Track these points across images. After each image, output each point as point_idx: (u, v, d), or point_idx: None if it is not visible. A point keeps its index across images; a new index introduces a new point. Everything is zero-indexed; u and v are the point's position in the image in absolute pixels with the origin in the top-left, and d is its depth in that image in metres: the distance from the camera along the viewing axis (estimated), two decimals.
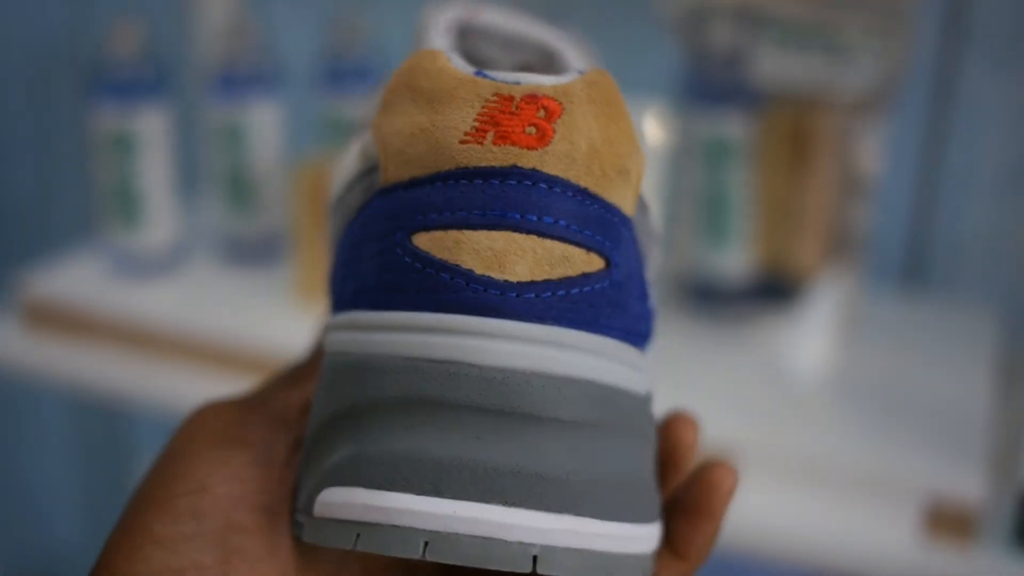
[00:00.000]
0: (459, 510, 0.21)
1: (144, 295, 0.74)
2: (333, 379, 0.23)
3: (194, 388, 0.67)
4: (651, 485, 0.24)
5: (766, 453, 0.59)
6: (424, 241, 0.22)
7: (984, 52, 0.76)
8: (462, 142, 0.22)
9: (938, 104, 0.78)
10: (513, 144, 0.22)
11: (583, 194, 0.23)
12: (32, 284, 0.74)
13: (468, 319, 0.22)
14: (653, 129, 0.71)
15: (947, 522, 0.55)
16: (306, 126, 0.88)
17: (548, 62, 0.28)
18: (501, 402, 0.21)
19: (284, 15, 0.94)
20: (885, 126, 0.71)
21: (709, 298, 0.72)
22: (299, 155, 0.90)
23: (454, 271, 0.22)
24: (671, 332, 0.70)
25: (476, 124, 0.22)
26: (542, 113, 0.22)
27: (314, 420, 0.24)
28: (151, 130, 0.74)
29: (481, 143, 0.22)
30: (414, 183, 0.23)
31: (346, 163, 0.26)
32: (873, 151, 0.70)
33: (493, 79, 0.23)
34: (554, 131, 0.22)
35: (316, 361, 0.28)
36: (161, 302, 0.73)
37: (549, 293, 0.22)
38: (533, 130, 0.22)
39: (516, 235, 0.22)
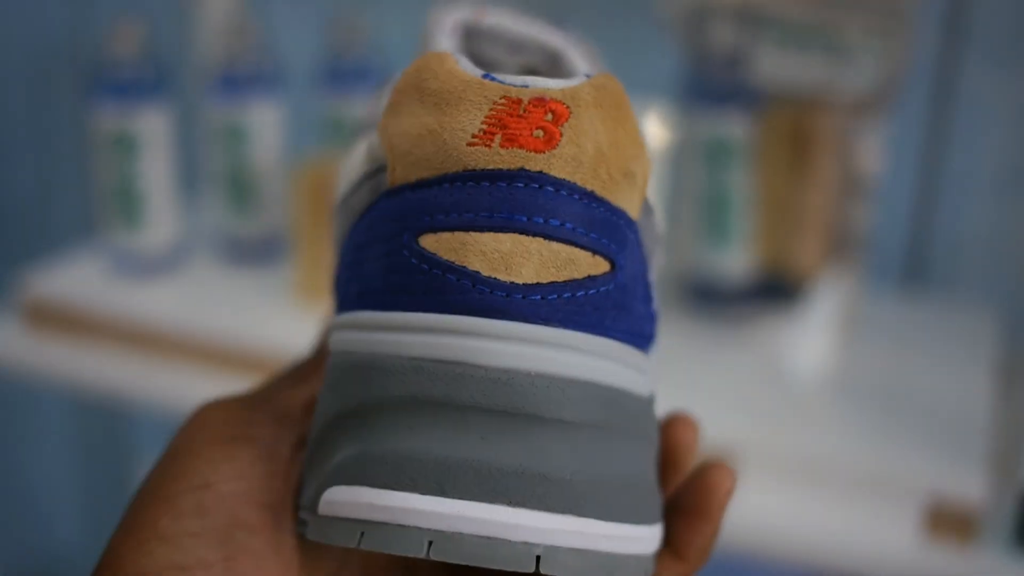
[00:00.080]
0: (463, 510, 0.21)
1: (145, 295, 0.74)
2: (338, 378, 0.24)
3: (194, 388, 0.67)
4: (653, 486, 0.24)
5: (766, 453, 0.59)
6: (431, 242, 0.23)
7: (984, 52, 0.76)
8: (470, 144, 0.22)
9: (938, 104, 0.78)
10: (520, 147, 0.22)
11: (589, 197, 0.23)
12: (32, 284, 0.74)
13: (474, 320, 0.22)
14: (654, 129, 0.71)
15: (947, 522, 0.55)
16: (306, 126, 0.88)
17: (553, 64, 0.28)
18: (506, 403, 0.22)
19: (284, 15, 0.94)
20: (885, 126, 0.71)
21: (709, 298, 0.72)
22: (299, 155, 0.90)
23: (461, 272, 0.22)
24: (672, 332, 0.70)
25: (484, 127, 0.22)
26: (550, 116, 0.22)
27: (319, 419, 0.24)
28: (151, 130, 0.74)
29: (489, 145, 0.22)
30: (421, 184, 0.23)
31: (352, 164, 0.26)
32: (873, 151, 0.70)
33: (501, 82, 0.23)
34: (561, 134, 0.22)
35: (320, 359, 0.28)
36: (161, 302, 0.73)
37: (555, 295, 0.22)
38: (540, 133, 0.22)
39: (523, 237, 0.22)
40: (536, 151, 0.22)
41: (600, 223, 0.23)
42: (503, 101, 0.22)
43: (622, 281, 0.23)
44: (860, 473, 0.57)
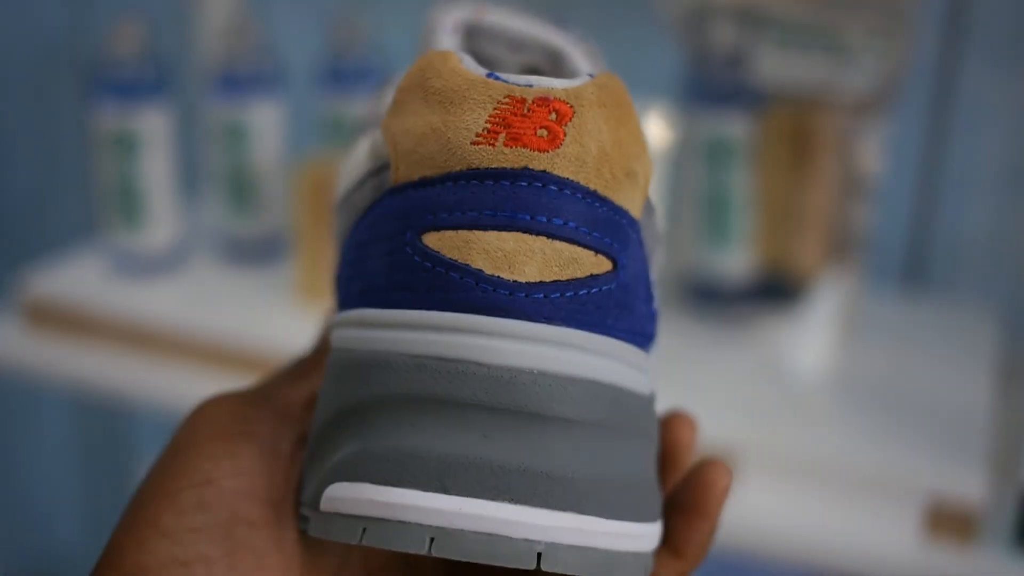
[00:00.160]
0: (465, 507, 0.21)
1: (145, 295, 0.74)
2: (340, 375, 0.24)
3: (195, 388, 0.67)
4: (654, 484, 0.24)
5: (766, 453, 0.59)
6: (434, 241, 0.23)
7: (984, 52, 0.76)
8: (474, 143, 0.22)
9: (938, 104, 0.78)
10: (524, 146, 0.22)
11: (592, 196, 0.23)
12: (33, 284, 0.74)
13: (477, 318, 0.22)
14: (654, 129, 0.71)
15: (948, 522, 0.55)
16: (307, 126, 0.88)
17: (554, 63, 0.28)
18: (508, 401, 0.22)
19: (285, 15, 0.94)
20: (886, 126, 0.71)
21: (710, 298, 0.72)
22: (300, 155, 0.90)
23: (464, 271, 0.22)
24: (672, 332, 0.70)
25: (488, 125, 0.22)
26: (553, 116, 0.22)
27: (320, 416, 0.24)
28: (152, 130, 0.74)
29: (492, 144, 0.22)
30: (425, 183, 0.23)
31: (354, 161, 0.26)
32: (874, 151, 0.70)
33: (505, 81, 0.23)
34: (565, 134, 0.22)
35: (320, 356, 0.28)
36: (162, 302, 0.73)
37: (557, 294, 0.22)
38: (544, 132, 0.22)
39: (526, 236, 0.22)
40: (540, 150, 0.22)
41: (603, 222, 0.23)
42: (507, 100, 0.23)
43: (624, 280, 0.23)
44: (860, 473, 0.57)
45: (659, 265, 0.27)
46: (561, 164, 0.22)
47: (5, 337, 0.73)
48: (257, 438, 0.25)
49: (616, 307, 0.23)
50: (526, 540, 0.21)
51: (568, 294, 0.22)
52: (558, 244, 0.22)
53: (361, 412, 0.23)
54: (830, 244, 0.71)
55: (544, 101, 0.22)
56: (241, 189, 0.77)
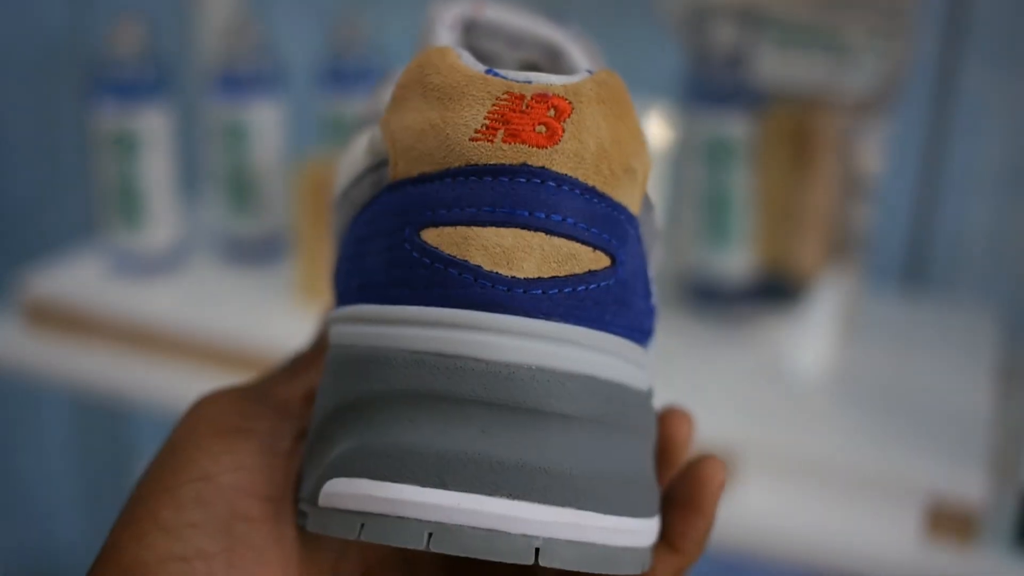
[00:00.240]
0: (463, 502, 0.21)
1: (145, 295, 0.74)
2: (338, 371, 0.24)
3: (194, 388, 0.67)
4: (651, 480, 0.25)
5: (766, 453, 0.59)
6: (433, 237, 0.23)
7: (984, 52, 0.76)
8: (472, 139, 0.22)
9: (939, 104, 0.78)
10: (523, 142, 0.22)
11: (591, 192, 0.23)
12: (33, 284, 0.74)
13: (475, 314, 0.22)
14: (655, 129, 0.71)
15: (948, 522, 0.55)
16: (307, 126, 0.88)
17: (552, 59, 0.28)
18: (506, 397, 0.22)
19: (285, 15, 0.94)
20: (886, 126, 0.71)
21: (710, 298, 0.72)
22: (300, 155, 0.90)
23: (462, 267, 0.22)
24: (672, 332, 0.70)
25: (487, 122, 0.22)
26: (552, 112, 0.22)
27: (318, 411, 0.24)
28: (152, 130, 0.74)
29: (491, 141, 0.22)
30: (423, 179, 0.23)
31: (353, 157, 0.26)
32: (874, 151, 0.70)
33: (504, 77, 0.23)
34: (564, 130, 0.22)
35: (319, 352, 0.28)
36: (162, 302, 0.73)
37: (556, 290, 0.22)
38: (543, 129, 0.22)
39: (524, 232, 0.22)
40: (538, 146, 0.22)
41: (601, 218, 0.23)
42: (506, 96, 0.23)
43: (622, 276, 0.23)
44: (860, 473, 0.57)
45: (657, 261, 0.27)
46: (560, 160, 0.22)
47: (5, 337, 0.73)
48: (256, 434, 0.25)
49: (614, 303, 0.23)
50: (524, 535, 0.21)
51: (566, 290, 0.23)
52: (556, 240, 0.22)
53: (359, 408, 0.23)
54: (830, 244, 0.71)
55: (543, 97, 0.22)
56: (241, 189, 0.77)
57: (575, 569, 0.22)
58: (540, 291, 0.22)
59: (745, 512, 0.57)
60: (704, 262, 0.71)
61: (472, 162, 0.23)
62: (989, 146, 0.78)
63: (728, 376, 0.66)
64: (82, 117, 1.05)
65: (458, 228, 0.22)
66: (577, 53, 0.27)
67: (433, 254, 0.23)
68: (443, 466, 0.22)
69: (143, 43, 0.73)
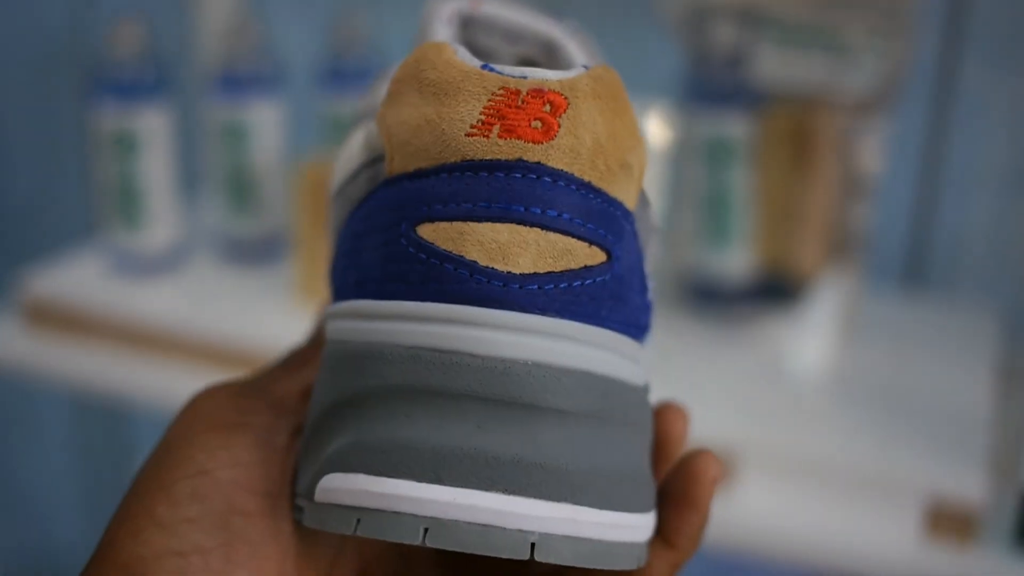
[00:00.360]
0: (459, 497, 0.21)
1: (145, 295, 0.74)
2: (335, 367, 0.24)
3: (194, 388, 0.67)
4: (647, 475, 0.25)
5: (766, 453, 0.59)
6: (429, 232, 0.23)
7: (984, 52, 0.76)
8: (468, 135, 0.23)
9: (939, 104, 0.78)
10: (518, 138, 0.22)
11: (587, 188, 0.23)
12: (32, 284, 0.74)
13: (471, 310, 0.22)
14: (655, 129, 0.71)
15: (948, 522, 0.55)
16: (307, 126, 0.88)
17: (549, 55, 0.28)
18: (502, 392, 0.22)
19: (285, 15, 0.94)
20: (886, 126, 0.71)
21: (710, 298, 0.72)
22: (300, 155, 0.90)
23: (458, 262, 0.22)
24: (672, 332, 0.70)
25: (482, 117, 0.22)
26: (548, 107, 0.22)
27: (315, 407, 0.24)
28: (152, 130, 0.74)
29: (487, 136, 0.22)
30: (419, 174, 0.23)
31: (349, 153, 0.26)
32: (874, 151, 0.70)
33: (500, 73, 0.23)
34: (559, 125, 0.22)
35: (315, 347, 0.28)
36: (162, 302, 0.73)
37: (552, 285, 0.22)
38: (539, 124, 0.22)
39: (520, 228, 0.22)
40: (534, 142, 0.22)
41: (597, 214, 0.23)
42: (501, 92, 0.23)
43: (618, 272, 0.23)
44: (860, 473, 0.57)
45: (654, 257, 0.27)
46: (555, 156, 0.22)
47: (5, 337, 0.73)
48: (252, 429, 0.25)
49: (610, 298, 0.23)
50: (520, 530, 0.21)
51: (562, 285, 0.23)
52: (552, 236, 0.22)
53: (356, 403, 0.23)
54: (830, 244, 0.71)
55: (538, 93, 0.23)
56: (241, 189, 0.77)
57: (571, 564, 0.22)
58: (536, 286, 0.22)
59: (745, 512, 0.57)
60: (704, 262, 0.71)
61: (468, 157, 0.23)
62: (989, 146, 0.77)
63: (728, 376, 0.65)
64: (82, 117, 1.05)
65: (454, 223, 0.22)
66: (574, 48, 0.27)
67: (429, 249, 0.23)
68: (439, 461, 0.22)
69: (143, 43, 0.73)
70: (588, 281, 0.23)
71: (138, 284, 0.75)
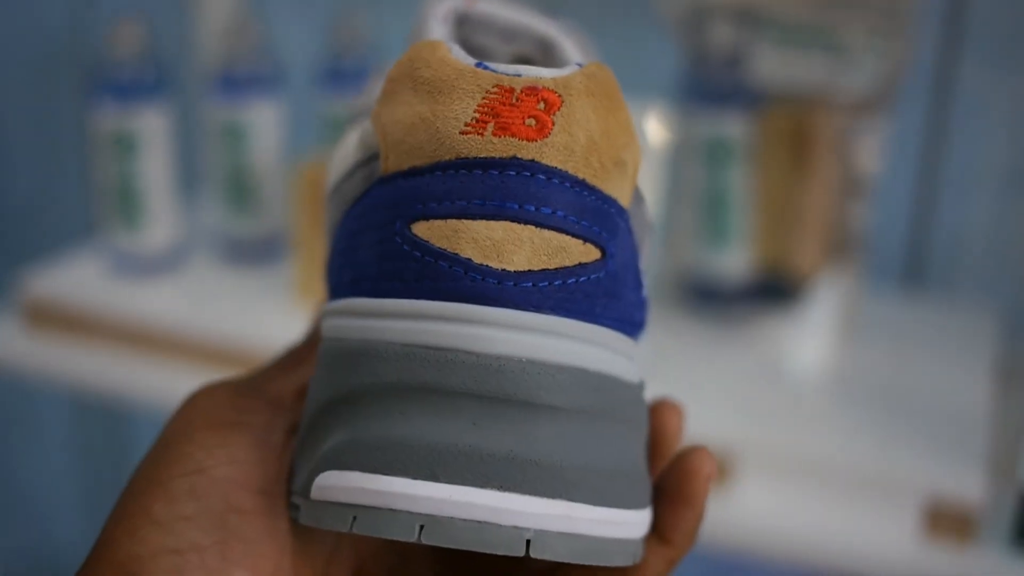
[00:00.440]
0: (454, 494, 0.21)
1: (144, 295, 0.74)
2: (330, 364, 0.24)
3: (193, 388, 0.67)
4: (643, 472, 0.25)
5: (765, 453, 0.59)
6: (423, 230, 0.23)
7: (983, 52, 0.76)
8: (462, 132, 0.23)
9: (938, 104, 0.78)
10: (513, 135, 0.22)
11: (581, 185, 0.23)
12: (32, 284, 0.74)
13: (466, 307, 0.22)
14: (653, 129, 0.71)
15: (947, 522, 0.55)
16: (306, 126, 0.88)
17: (545, 53, 0.28)
18: (497, 389, 0.22)
19: (285, 15, 0.94)
20: (885, 126, 0.71)
21: (709, 298, 0.72)
22: (299, 155, 0.90)
23: (453, 260, 0.22)
24: (671, 332, 0.70)
25: (477, 115, 0.23)
26: (542, 105, 0.22)
27: (311, 405, 0.24)
28: (151, 130, 0.74)
29: (481, 134, 0.22)
30: (414, 172, 0.23)
31: (344, 151, 0.26)
32: (873, 151, 0.70)
33: (494, 71, 0.23)
34: (553, 123, 0.22)
35: (312, 346, 0.28)
36: (161, 302, 0.73)
37: (546, 282, 0.22)
38: (533, 122, 0.22)
39: (514, 225, 0.22)
40: (528, 139, 0.22)
41: (591, 211, 0.23)
42: (496, 90, 0.23)
43: (613, 269, 0.23)
44: (859, 473, 0.57)
45: (649, 254, 0.27)
46: (549, 153, 0.22)
47: (5, 337, 0.73)
48: (249, 427, 0.25)
49: (604, 295, 0.23)
50: (515, 527, 0.22)
51: (556, 282, 0.23)
52: (546, 233, 0.23)
53: (351, 401, 0.23)
54: (829, 244, 0.71)
55: (532, 90, 0.23)
56: (240, 189, 0.77)
57: (566, 561, 0.22)
58: (530, 284, 0.22)
59: (744, 512, 0.57)
60: (703, 262, 0.71)
61: (462, 155, 0.23)
62: (988, 146, 0.77)
63: (727, 376, 0.65)
64: (82, 117, 1.05)
65: (448, 221, 0.23)
66: (569, 46, 0.28)
67: (423, 247, 0.23)
68: (434, 458, 0.22)
69: (143, 43, 0.73)
70: (582, 278, 0.23)
71: (138, 284, 0.75)
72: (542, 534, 0.22)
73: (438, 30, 0.27)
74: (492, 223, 0.22)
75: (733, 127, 0.68)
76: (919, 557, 0.54)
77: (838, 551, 0.54)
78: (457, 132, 0.23)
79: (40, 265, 1.10)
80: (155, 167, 0.75)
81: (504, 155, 0.22)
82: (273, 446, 0.25)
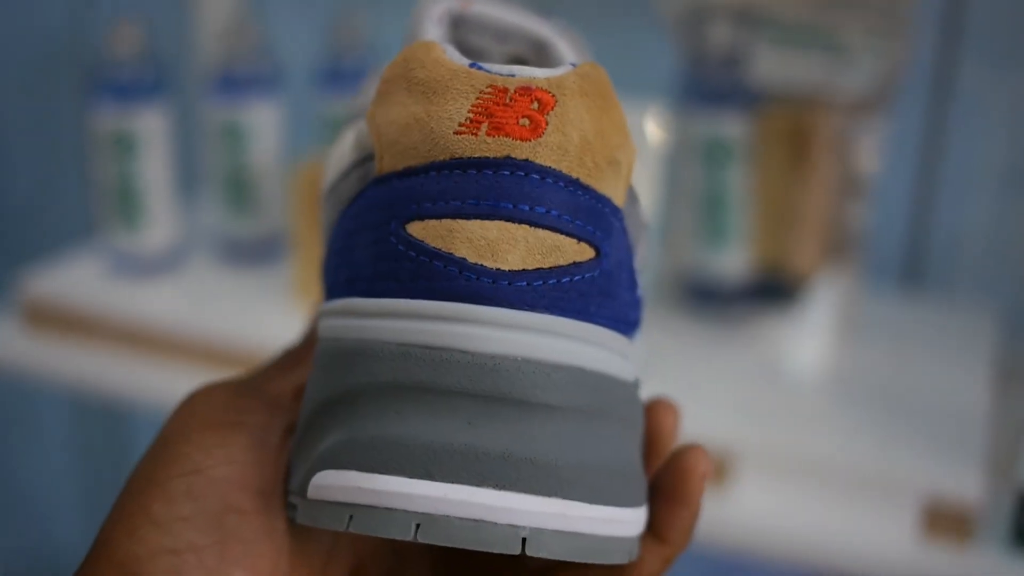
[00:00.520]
0: (450, 493, 0.21)
1: (144, 295, 0.74)
2: (327, 364, 0.24)
3: (192, 388, 0.67)
4: (638, 470, 0.25)
5: (764, 453, 0.59)
6: (418, 230, 0.23)
7: (982, 52, 0.76)
8: (457, 133, 0.23)
9: (936, 104, 0.78)
10: (507, 135, 0.22)
11: (575, 185, 0.23)
12: (32, 284, 0.74)
13: (460, 306, 0.22)
14: (652, 129, 0.71)
15: (946, 522, 0.55)
16: (306, 126, 0.88)
17: (539, 53, 0.28)
18: (492, 388, 0.22)
19: (284, 15, 0.94)
20: (884, 126, 0.71)
21: (708, 298, 0.72)
22: (298, 155, 0.90)
23: (447, 259, 0.22)
24: (670, 332, 0.70)
25: (471, 115, 0.23)
26: (536, 105, 0.23)
27: (307, 404, 0.24)
28: (151, 130, 0.74)
29: (475, 134, 0.23)
30: (409, 173, 0.23)
31: (340, 152, 0.26)
32: (872, 151, 0.70)
33: (488, 71, 0.23)
34: (547, 123, 0.23)
35: (309, 346, 0.28)
36: (161, 302, 0.73)
37: (540, 282, 0.23)
38: (527, 122, 0.23)
39: (509, 225, 0.22)
40: (522, 139, 0.22)
41: (585, 210, 0.23)
42: (489, 90, 0.23)
43: (607, 268, 0.24)
44: (858, 473, 0.57)
45: (644, 254, 0.27)
46: (543, 153, 0.23)
47: (4, 337, 0.73)
48: (247, 428, 0.25)
49: (599, 294, 0.23)
50: (511, 525, 0.22)
51: (551, 282, 0.23)
52: (541, 232, 0.23)
53: (347, 400, 0.23)
54: (828, 244, 0.71)
55: (526, 90, 0.23)
56: (239, 190, 0.77)
57: (562, 559, 0.22)
58: (525, 283, 0.22)
59: (743, 512, 0.57)
60: (701, 262, 0.71)
61: (456, 155, 0.23)
62: (987, 146, 0.77)
63: (726, 376, 0.65)
64: (81, 117, 1.05)
65: (443, 221, 0.23)
66: (563, 47, 0.28)
67: (418, 247, 0.23)
68: (430, 457, 0.22)
69: (142, 44, 0.73)
70: (577, 277, 0.23)
71: (137, 284, 0.75)
72: (538, 532, 0.22)
73: (433, 31, 0.27)
74: (487, 223, 0.22)
75: (732, 127, 0.68)
76: (918, 557, 0.54)
77: (837, 551, 0.54)
78: (451, 132, 0.23)
79: (40, 265, 1.10)
80: (154, 167, 0.75)
81: (498, 155, 0.22)
82: (271, 446, 0.25)
